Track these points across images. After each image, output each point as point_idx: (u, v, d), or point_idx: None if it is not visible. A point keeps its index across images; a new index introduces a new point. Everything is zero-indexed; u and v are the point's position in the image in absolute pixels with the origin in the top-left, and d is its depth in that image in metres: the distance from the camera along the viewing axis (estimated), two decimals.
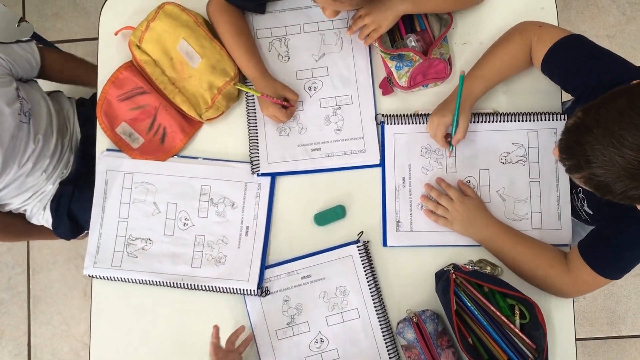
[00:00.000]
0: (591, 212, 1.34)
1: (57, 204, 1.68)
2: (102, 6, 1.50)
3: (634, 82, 1.03)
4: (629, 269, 1.25)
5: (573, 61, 1.27)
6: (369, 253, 1.41)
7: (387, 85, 1.44)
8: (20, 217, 1.72)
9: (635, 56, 2.44)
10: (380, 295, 1.40)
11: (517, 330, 1.30)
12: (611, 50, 1.25)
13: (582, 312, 2.35)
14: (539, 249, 1.34)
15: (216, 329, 1.40)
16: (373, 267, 1.41)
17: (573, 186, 1.40)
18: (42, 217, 1.71)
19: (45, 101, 1.60)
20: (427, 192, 1.42)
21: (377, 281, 1.40)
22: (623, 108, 0.96)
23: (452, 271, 1.32)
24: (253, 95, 1.43)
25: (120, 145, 1.45)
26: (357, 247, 1.40)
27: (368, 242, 1.42)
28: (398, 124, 1.43)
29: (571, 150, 1.02)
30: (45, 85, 1.70)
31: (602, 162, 0.96)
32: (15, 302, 2.41)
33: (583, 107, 1.02)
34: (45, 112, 1.58)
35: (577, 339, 2.29)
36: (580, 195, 1.37)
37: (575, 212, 1.40)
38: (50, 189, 1.66)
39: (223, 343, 1.36)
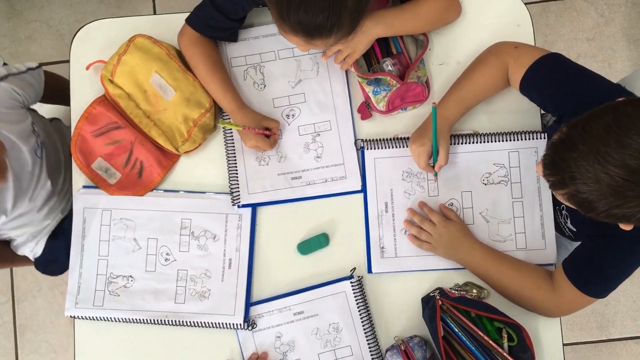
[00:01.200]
0: (575, 229, 1.34)
1: (54, 239, 1.65)
2: (72, 39, 1.47)
3: (620, 99, 1.02)
4: (614, 287, 1.25)
5: (551, 82, 1.26)
6: (363, 288, 1.39)
7: (366, 110, 1.43)
8: (5, 243, 1.68)
9: (615, 58, 2.44)
10: (373, 328, 1.39)
11: (505, 354, 1.29)
12: (587, 68, 1.25)
13: (572, 316, 2.35)
14: (524, 270, 1.33)
15: None
16: (367, 303, 1.39)
17: (556, 203, 1.39)
18: (30, 249, 1.67)
19: (52, 133, 1.56)
20: (409, 217, 1.40)
21: (370, 316, 1.39)
22: (609, 125, 0.95)
23: (438, 297, 1.31)
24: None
25: (97, 182, 1.43)
26: (351, 282, 1.38)
27: (361, 277, 1.40)
28: (378, 148, 1.42)
29: (556, 166, 1.01)
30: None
31: (587, 178, 0.96)
32: (1, 332, 2.38)
33: (568, 122, 1.01)
34: (53, 145, 1.54)
35: (567, 344, 2.31)
36: (564, 212, 1.36)
37: (559, 229, 1.40)
38: (49, 223, 1.62)
39: None
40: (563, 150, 0.99)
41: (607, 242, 1.21)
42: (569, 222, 1.35)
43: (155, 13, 2.40)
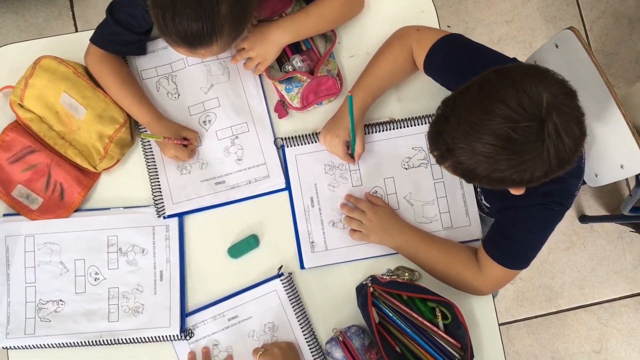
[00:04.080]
0: (489, 205, 1.37)
1: None
2: None
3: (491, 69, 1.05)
4: (533, 256, 1.28)
5: (451, 60, 1.29)
6: (293, 285, 1.39)
7: (282, 108, 1.44)
8: None
9: (535, 37, 2.52)
10: (309, 323, 1.39)
11: (440, 332, 1.31)
12: (486, 46, 1.28)
13: (521, 292, 2.40)
14: (452, 250, 1.36)
15: None
16: (299, 298, 1.39)
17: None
18: None
19: None
20: (339, 210, 1.41)
21: (304, 311, 1.39)
22: (474, 95, 1.00)
23: (369, 284, 1.32)
24: (149, 139, 1.40)
25: (19, 209, 1.40)
26: (281, 280, 1.38)
27: (291, 273, 1.40)
28: (298, 145, 1.43)
29: (434, 141, 1.06)
30: None
31: (462, 149, 1.00)
32: None
33: (444, 99, 1.06)
34: None
35: (519, 320, 2.35)
36: (478, 189, 1.40)
37: (479, 207, 1.43)
38: None
39: None
40: (439, 125, 1.04)
41: (515, 213, 1.25)
42: (483, 198, 1.38)
43: None
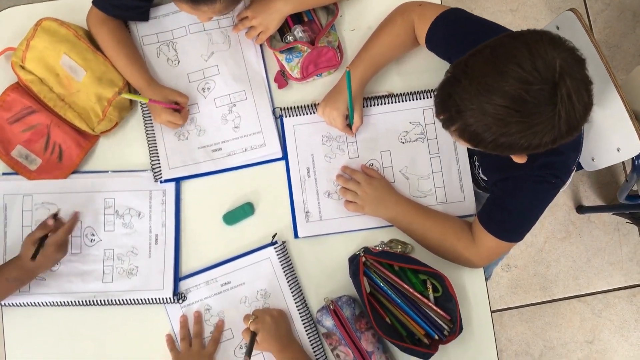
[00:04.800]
0: (486, 179, 1.38)
1: None
2: None
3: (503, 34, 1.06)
4: (527, 229, 1.29)
5: (454, 34, 1.29)
6: (287, 253, 1.40)
7: (282, 79, 1.44)
8: None
9: (538, 27, 2.50)
10: (301, 291, 1.40)
11: (430, 304, 1.32)
12: (488, 20, 1.29)
13: (516, 280, 2.41)
14: (446, 221, 1.37)
15: (169, 337, 1.38)
16: (292, 267, 1.40)
17: (471, 155, 1.43)
18: None
19: None
20: (335, 181, 1.42)
21: (297, 279, 1.40)
22: (487, 57, 0.99)
23: (361, 254, 1.33)
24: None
25: (18, 169, 1.41)
26: (275, 248, 1.39)
27: (285, 242, 1.41)
28: (296, 115, 1.44)
29: (443, 103, 1.05)
30: None
31: (472, 110, 0.99)
32: None
33: (454, 62, 1.05)
34: None
35: (512, 307, 2.36)
36: (476, 163, 1.40)
37: (475, 181, 1.44)
38: None
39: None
40: (449, 87, 1.03)
41: (512, 184, 1.25)
42: (480, 172, 1.39)
43: None
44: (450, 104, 1.02)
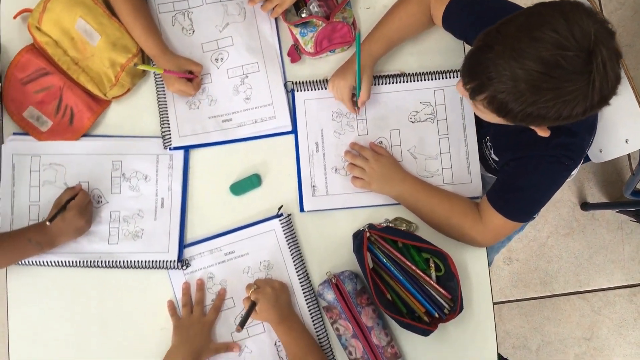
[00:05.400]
0: (497, 159, 1.38)
1: None
2: None
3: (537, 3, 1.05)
4: (537, 209, 1.29)
5: (471, 13, 1.29)
6: (292, 226, 1.41)
7: (295, 53, 1.45)
8: None
9: None
10: (304, 264, 1.41)
11: (432, 282, 1.33)
12: None
13: (517, 274, 2.41)
14: (453, 200, 1.37)
15: (171, 303, 1.39)
16: (296, 240, 1.41)
17: (482, 137, 1.43)
18: None
19: None
20: (343, 157, 1.43)
21: (300, 252, 1.41)
22: (521, 23, 0.98)
23: (366, 230, 1.34)
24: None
25: (29, 129, 1.42)
26: (280, 221, 1.40)
27: (290, 214, 1.42)
28: (308, 90, 1.44)
29: (473, 71, 1.04)
30: None
31: (504, 76, 0.98)
32: None
33: (485, 30, 1.04)
34: None
35: (512, 301, 2.37)
36: (488, 144, 1.40)
37: (485, 163, 1.44)
38: None
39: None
40: (480, 55, 1.02)
41: (525, 163, 1.25)
42: (492, 152, 1.39)
43: None
44: (480, 71, 1.01)
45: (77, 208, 1.33)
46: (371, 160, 1.39)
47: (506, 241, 1.73)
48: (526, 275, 2.41)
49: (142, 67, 1.36)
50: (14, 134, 1.43)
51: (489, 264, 1.49)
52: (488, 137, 1.40)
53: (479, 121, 1.39)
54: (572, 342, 2.39)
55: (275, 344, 1.37)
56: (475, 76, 1.03)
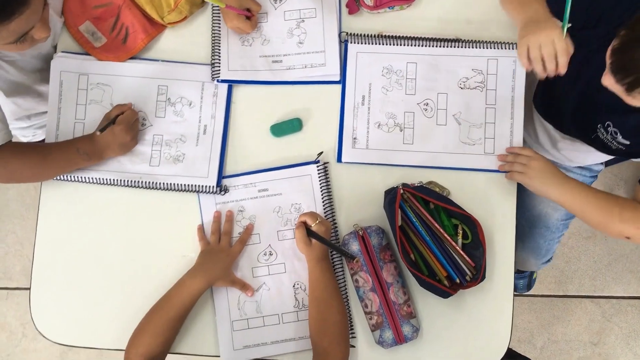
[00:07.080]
0: (628, 142, 1.33)
1: None
2: None
3: None
4: None
5: None
6: (327, 174, 1.42)
7: (354, 4, 1.45)
8: None
9: None
10: (333, 213, 1.42)
11: (458, 248, 1.33)
12: None
13: None
14: (612, 200, 1.34)
15: (200, 228, 1.41)
16: (330, 188, 1.42)
17: (597, 122, 1.36)
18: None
19: None
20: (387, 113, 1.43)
21: (332, 201, 1.42)
22: None
23: (400, 187, 1.34)
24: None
25: (82, 43, 1.44)
26: (317, 167, 1.41)
27: (328, 163, 1.43)
28: (362, 43, 1.44)
29: (626, 67, 1.02)
30: None
31: None
32: None
33: (624, 26, 1.03)
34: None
35: (524, 295, 2.36)
36: (610, 129, 1.34)
37: (603, 147, 1.39)
38: None
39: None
40: (631, 50, 1.01)
41: None
42: (619, 136, 1.33)
43: None
44: (635, 67, 1.00)
45: (126, 123, 1.35)
46: (533, 158, 1.36)
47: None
48: (542, 272, 2.40)
49: (209, 0, 1.37)
50: (63, 51, 1.45)
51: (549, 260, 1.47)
52: (609, 123, 1.34)
53: (595, 109, 1.35)
54: (578, 345, 2.38)
55: (294, 285, 1.39)
56: (630, 72, 1.02)
